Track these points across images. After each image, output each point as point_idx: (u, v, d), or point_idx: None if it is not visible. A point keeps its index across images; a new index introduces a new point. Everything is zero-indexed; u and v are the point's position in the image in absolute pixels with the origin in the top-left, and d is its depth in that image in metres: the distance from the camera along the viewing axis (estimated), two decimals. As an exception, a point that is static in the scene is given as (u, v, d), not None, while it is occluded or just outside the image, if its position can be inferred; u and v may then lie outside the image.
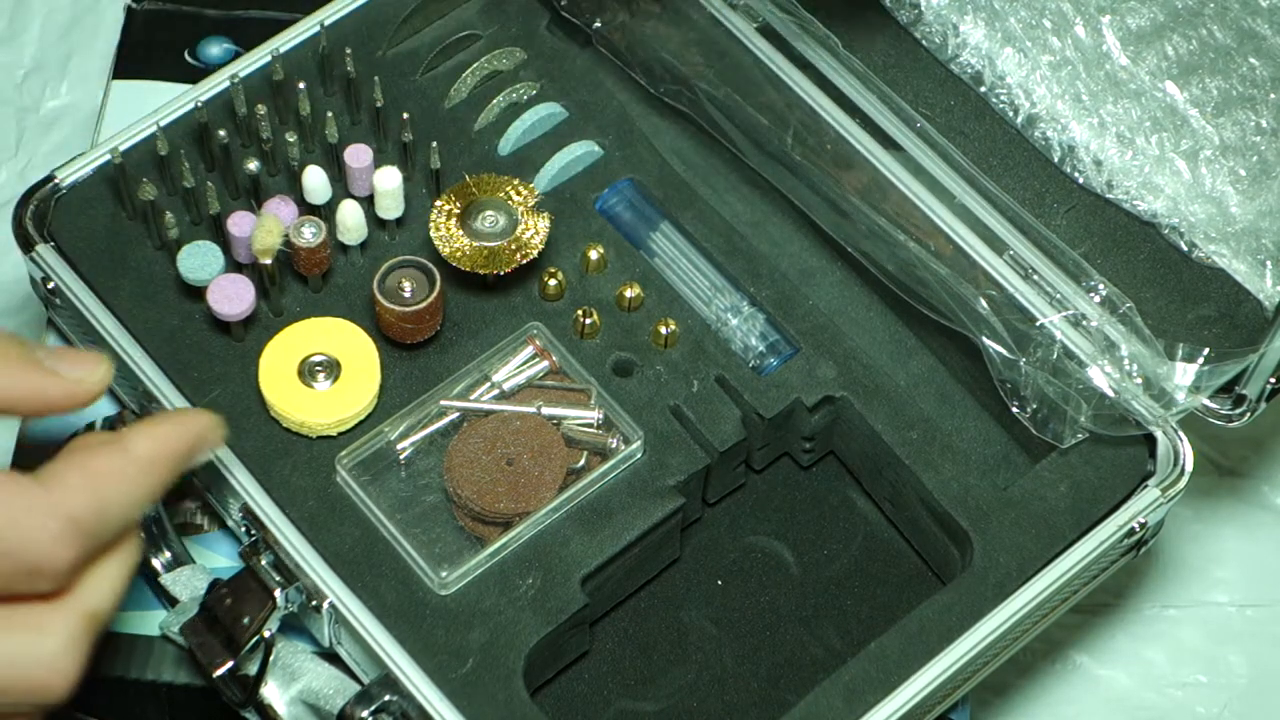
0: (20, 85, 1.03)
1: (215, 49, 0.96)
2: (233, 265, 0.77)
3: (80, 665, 0.60)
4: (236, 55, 0.96)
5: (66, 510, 0.59)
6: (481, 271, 0.76)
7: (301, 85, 0.80)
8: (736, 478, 0.80)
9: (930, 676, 0.72)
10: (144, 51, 0.95)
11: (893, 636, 0.73)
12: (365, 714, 0.71)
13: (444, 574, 0.72)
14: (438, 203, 0.77)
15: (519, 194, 0.77)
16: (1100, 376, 0.76)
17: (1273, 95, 0.79)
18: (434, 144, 0.79)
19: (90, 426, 0.82)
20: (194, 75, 0.93)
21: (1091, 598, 0.87)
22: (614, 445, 0.75)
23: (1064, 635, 0.90)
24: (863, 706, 0.71)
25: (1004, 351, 0.76)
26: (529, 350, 0.77)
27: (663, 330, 0.78)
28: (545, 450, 0.75)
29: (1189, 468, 0.76)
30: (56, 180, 0.80)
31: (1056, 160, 0.82)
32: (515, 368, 0.77)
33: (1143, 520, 0.75)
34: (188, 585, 0.77)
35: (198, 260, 0.76)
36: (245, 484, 0.74)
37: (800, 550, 0.80)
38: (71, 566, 0.59)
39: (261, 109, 0.79)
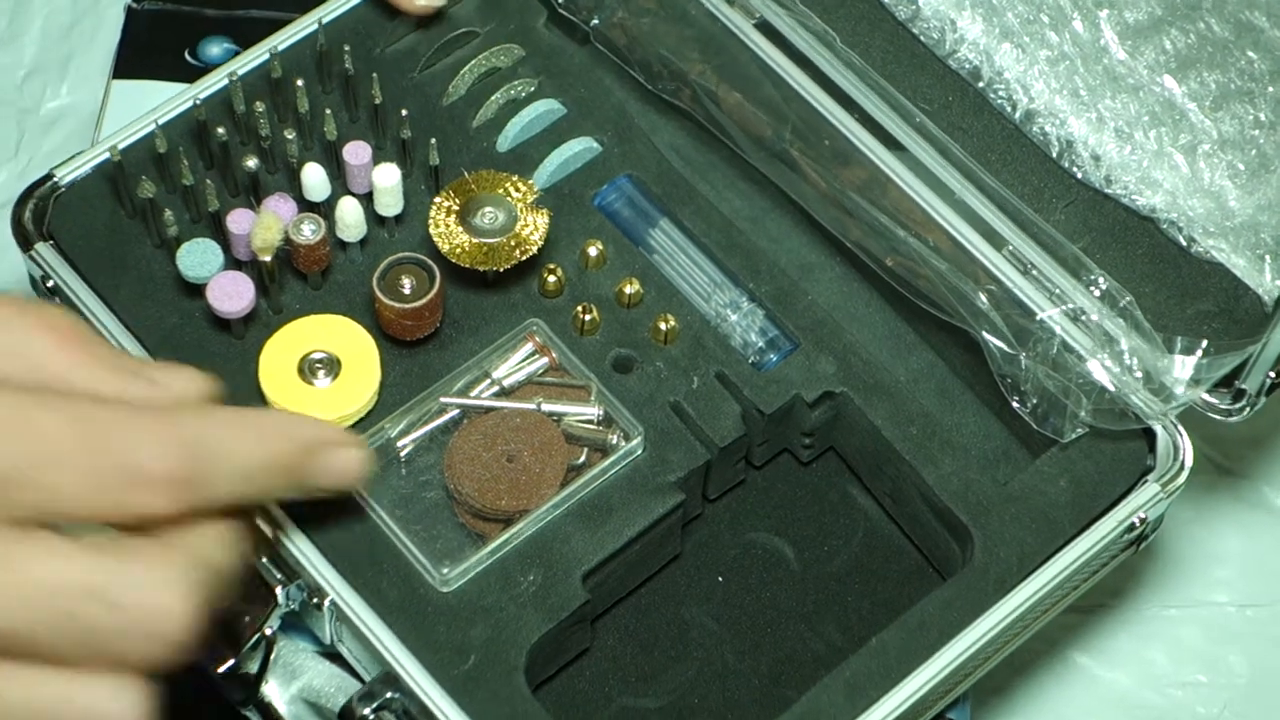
0: (20, 86, 1.03)
1: (215, 49, 0.96)
2: (232, 263, 0.77)
3: (192, 609, 0.57)
4: (237, 55, 0.96)
5: (178, 426, 0.58)
6: (481, 268, 0.76)
7: (300, 83, 0.80)
8: (737, 474, 0.80)
9: (931, 672, 0.72)
10: (144, 51, 0.95)
11: (893, 632, 0.72)
12: (367, 711, 0.71)
13: (445, 571, 0.72)
14: (437, 199, 0.77)
15: (518, 190, 0.77)
16: (1100, 370, 0.76)
17: (1271, 89, 0.79)
18: (433, 141, 0.79)
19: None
20: (194, 75, 0.93)
21: (1091, 598, 0.87)
22: (614, 441, 0.75)
23: (1064, 635, 0.90)
24: (864, 702, 0.71)
25: (1004, 346, 0.76)
26: (529, 346, 0.77)
27: (662, 326, 0.78)
28: (546, 447, 0.75)
29: (1189, 462, 0.76)
30: (55, 178, 0.79)
31: (1055, 155, 0.82)
32: (515, 364, 0.77)
33: (1143, 516, 0.75)
34: (188, 583, 0.77)
35: (197, 258, 0.76)
36: (245, 481, 0.74)
37: (801, 546, 0.80)
38: (172, 483, 0.57)
39: (260, 107, 0.79)
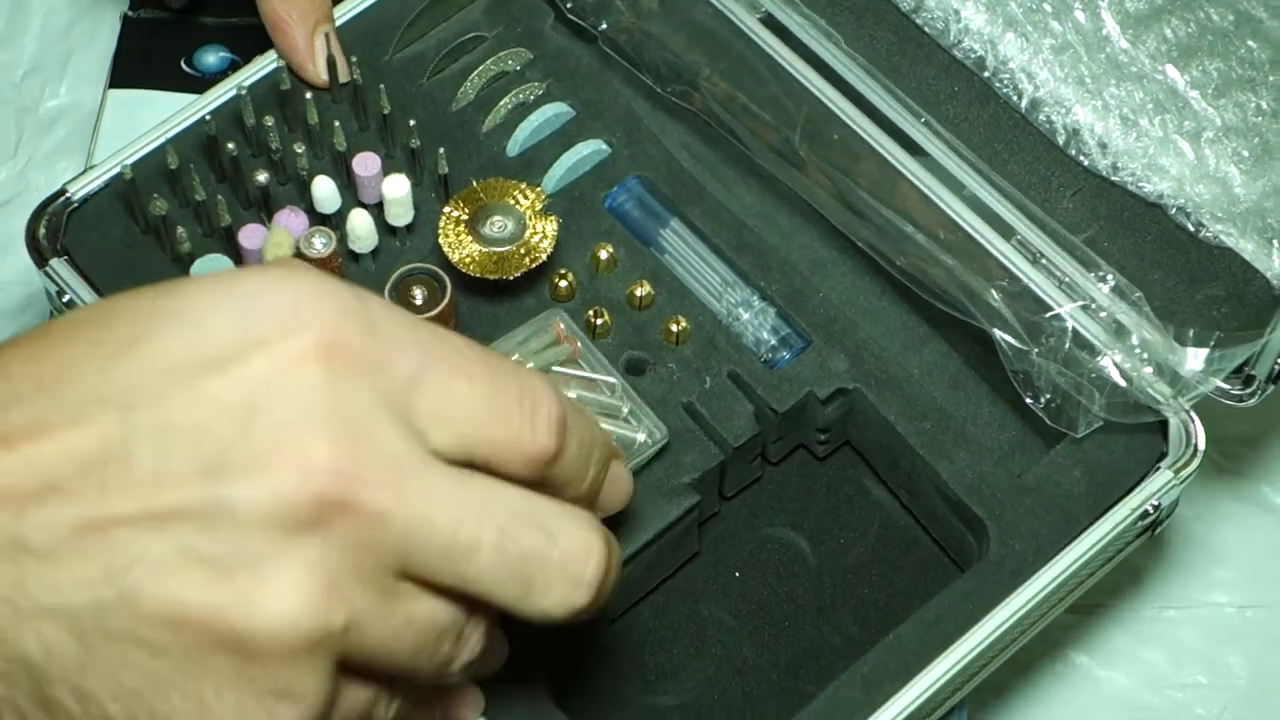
0: (19, 85, 1.04)
1: (212, 58, 0.96)
2: (245, 277, 0.77)
3: (605, 559, 0.58)
4: (233, 64, 0.96)
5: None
6: (491, 277, 0.76)
7: (309, 95, 0.80)
8: (752, 471, 0.80)
9: (948, 665, 0.72)
10: (140, 60, 0.96)
11: (910, 627, 0.73)
12: (390, 715, 0.71)
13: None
14: (445, 209, 0.77)
15: (526, 197, 0.77)
16: (1112, 365, 0.76)
17: (1272, 77, 0.79)
18: (441, 150, 0.79)
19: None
20: (191, 84, 0.93)
21: (1091, 598, 0.87)
22: (643, 440, 0.75)
23: (1063, 636, 0.90)
24: (881, 697, 0.71)
25: (1015, 343, 0.76)
26: (551, 334, 0.76)
27: (674, 328, 0.78)
28: None
29: (1201, 447, 0.76)
30: (68, 194, 0.80)
31: (1061, 143, 0.82)
32: (537, 351, 0.75)
33: (1156, 502, 0.75)
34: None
35: (210, 274, 0.76)
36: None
37: (817, 540, 0.80)
38: (558, 445, 0.57)
39: (269, 120, 0.79)
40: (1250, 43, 0.79)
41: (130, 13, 0.99)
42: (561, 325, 0.76)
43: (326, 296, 0.54)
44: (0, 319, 0.97)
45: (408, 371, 0.55)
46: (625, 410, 0.75)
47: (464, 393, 0.56)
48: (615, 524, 0.74)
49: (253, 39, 0.87)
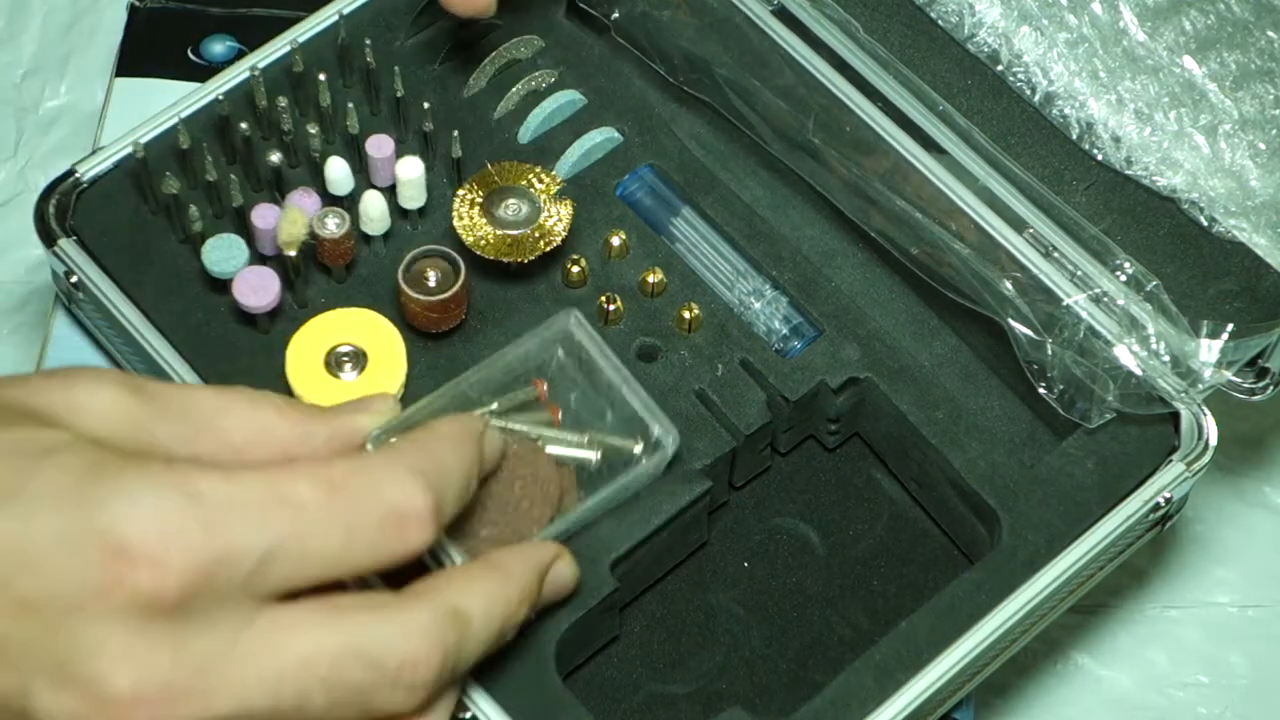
0: (19, 85, 1.03)
1: (218, 47, 0.96)
2: (257, 258, 0.77)
3: (441, 655, 0.58)
4: (240, 53, 0.96)
5: (409, 455, 0.59)
6: (505, 260, 0.76)
7: (322, 77, 0.80)
8: (762, 461, 0.80)
9: (960, 654, 0.72)
10: (147, 49, 0.95)
11: (923, 615, 0.73)
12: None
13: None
14: (460, 191, 0.77)
15: (541, 181, 0.77)
16: (1127, 355, 0.76)
17: (1291, 69, 0.79)
18: (455, 133, 0.79)
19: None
20: (197, 73, 0.93)
21: (1093, 598, 0.87)
22: (637, 454, 0.73)
23: (1065, 636, 0.90)
24: (894, 685, 0.71)
25: (1030, 333, 0.76)
26: (531, 392, 0.73)
27: (686, 315, 0.78)
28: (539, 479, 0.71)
29: (1213, 442, 0.76)
30: (78, 174, 0.79)
31: (1075, 138, 0.82)
32: (513, 404, 0.73)
33: (1168, 495, 0.75)
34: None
35: (222, 253, 0.76)
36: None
37: (826, 531, 0.80)
38: (422, 513, 0.58)
39: (282, 101, 0.79)
40: (1270, 33, 0.79)
41: (137, 2, 0.98)
42: (545, 387, 0.73)
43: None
44: (0, 318, 0.97)
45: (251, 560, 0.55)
46: (595, 461, 0.73)
47: (317, 553, 0.56)
48: (628, 510, 0.74)
49: (259, 28, 0.87)
